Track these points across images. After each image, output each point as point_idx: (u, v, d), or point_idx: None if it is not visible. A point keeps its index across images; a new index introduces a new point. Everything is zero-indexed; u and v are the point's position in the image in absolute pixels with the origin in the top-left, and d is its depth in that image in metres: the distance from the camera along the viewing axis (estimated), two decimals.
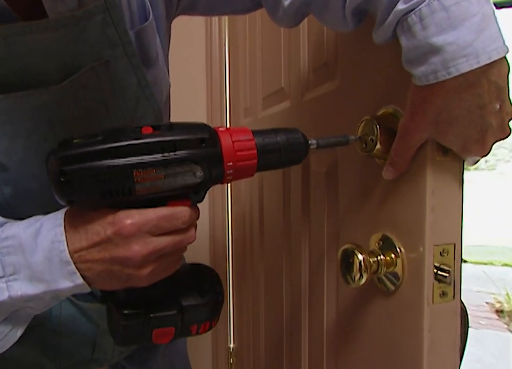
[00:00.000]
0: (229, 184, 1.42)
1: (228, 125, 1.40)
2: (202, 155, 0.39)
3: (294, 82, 0.80)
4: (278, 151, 0.43)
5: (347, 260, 0.49)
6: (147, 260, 0.39)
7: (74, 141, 0.37)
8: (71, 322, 0.62)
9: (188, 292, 0.46)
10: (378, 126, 0.46)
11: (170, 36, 0.64)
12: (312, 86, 0.73)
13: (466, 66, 0.34)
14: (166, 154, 0.38)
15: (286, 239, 0.86)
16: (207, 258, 1.45)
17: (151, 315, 0.43)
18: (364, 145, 0.49)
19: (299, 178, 0.79)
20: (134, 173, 0.37)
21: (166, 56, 0.64)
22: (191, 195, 0.42)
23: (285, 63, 0.85)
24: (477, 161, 0.43)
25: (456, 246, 0.45)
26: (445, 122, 0.39)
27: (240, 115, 1.26)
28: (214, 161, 0.40)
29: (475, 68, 0.34)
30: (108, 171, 0.37)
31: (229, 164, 0.40)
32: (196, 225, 0.44)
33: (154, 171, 0.38)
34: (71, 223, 0.40)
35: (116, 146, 0.37)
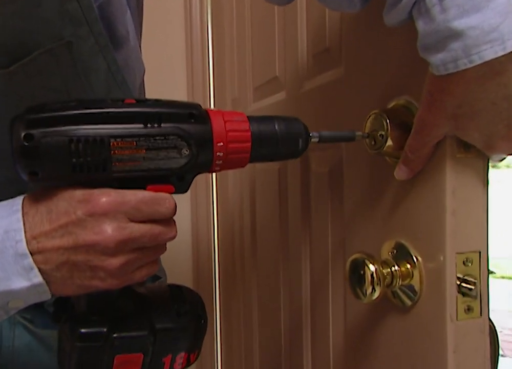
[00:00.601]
0: (214, 185, 1.42)
1: None
2: (190, 131, 0.40)
3: (291, 70, 0.80)
4: (275, 141, 0.43)
5: (357, 272, 0.49)
6: (120, 248, 0.38)
7: (46, 107, 0.37)
8: (27, 353, 0.60)
9: (164, 312, 0.45)
10: (388, 121, 0.47)
11: (142, 12, 0.63)
12: (311, 75, 0.74)
13: (490, 53, 0.34)
14: (149, 125, 0.39)
15: (283, 249, 0.86)
16: (189, 274, 1.45)
17: (115, 335, 0.42)
18: (373, 142, 0.49)
19: (298, 178, 0.79)
20: (111, 143, 0.37)
21: (139, 35, 0.63)
22: (174, 181, 0.42)
23: (280, 47, 0.85)
24: (504, 159, 0.44)
25: (482, 254, 0.45)
26: (467, 116, 0.39)
27: (227, 107, 1.26)
28: (203, 139, 0.40)
29: (501, 56, 0.34)
30: (81, 138, 0.37)
31: (219, 144, 0.41)
32: (175, 221, 0.43)
33: (135, 143, 0.38)
34: (32, 204, 0.38)
35: (94, 113, 0.37)
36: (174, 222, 0.43)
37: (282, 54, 0.84)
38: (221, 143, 0.41)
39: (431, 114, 0.41)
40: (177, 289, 0.49)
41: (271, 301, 0.95)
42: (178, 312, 0.45)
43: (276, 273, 0.90)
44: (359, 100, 0.58)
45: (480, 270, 0.45)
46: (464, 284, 0.44)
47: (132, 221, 0.39)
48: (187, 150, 0.40)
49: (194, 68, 1.39)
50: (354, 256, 0.50)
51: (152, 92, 1.39)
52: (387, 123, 0.47)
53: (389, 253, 0.51)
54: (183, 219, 1.43)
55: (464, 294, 0.44)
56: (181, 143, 0.40)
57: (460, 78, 0.37)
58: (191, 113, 0.40)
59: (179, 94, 1.43)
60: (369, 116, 0.50)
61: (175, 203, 0.41)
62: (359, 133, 0.47)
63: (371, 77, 0.55)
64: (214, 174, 1.41)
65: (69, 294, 0.41)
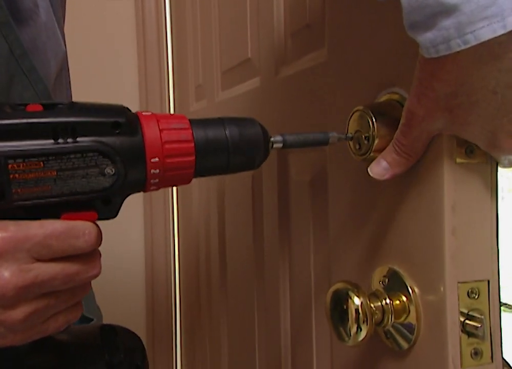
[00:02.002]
0: (175, 199, 1.43)
1: (171, 111, 1.41)
2: (115, 145, 0.40)
3: (266, 51, 0.82)
4: (225, 149, 0.44)
5: (339, 306, 0.50)
6: (23, 296, 0.38)
7: None
8: None
9: (90, 366, 0.46)
10: (374, 120, 0.48)
11: None
12: (290, 57, 0.75)
13: (488, 31, 0.35)
14: (60, 140, 0.38)
15: (258, 277, 0.88)
16: (141, 314, 1.45)
17: None
18: (357, 146, 0.51)
19: (275, 190, 0.80)
20: (9, 166, 0.37)
21: (59, 8, 0.64)
22: (98, 205, 0.42)
23: (252, 23, 0.87)
24: None
25: (492, 283, 0.47)
26: (464, 107, 0.41)
27: (190, 97, 1.28)
28: (132, 155, 0.40)
29: (501, 35, 0.35)
30: None
31: (153, 160, 0.41)
32: (100, 254, 0.44)
33: (42, 164, 0.38)
34: None
35: None
36: (99, 254, 0.44)
37: (255, 31, 0.86)
38: (156, 159, 0.41)
39: (421, 104, 0.42)
40: (110, 332, 0.49)
41: (244, 343, 0.96)
42: (110, 365, 0.46)
43: (249, 310, 0.92)
44: (345, 89, 0.60)
45: (489, 304, 0.47)
46: (468, 322, 0.46)
47: (39, 260, 0.39)
48: (111, 170, 0.40)
49: (147, 48, 1.41)
50: (335, 286, 0.51)
51: (92, 80, 1.40)
52: (373, 122, 0.48)
53: (381, 282, 0.53)
54: (134, 242, 1.43)
55: (469, 334, 0.46)
56: (103, 161, 0.40)
57: (453, 61, 0.38)
58: (116, 122, 0.40)
59: (129, 81, 1.44)
60: (352, 114, 0.51)
61: (98, 233, 0.42)
62: (334, 135, 0.48)
63: (360, 62, 0.57)
64: (175, 188, 1.42)
65: None
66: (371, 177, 0.54)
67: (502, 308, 0.49)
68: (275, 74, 0.79)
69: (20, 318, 0.39)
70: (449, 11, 0.36)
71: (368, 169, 0.48)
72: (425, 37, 0.38)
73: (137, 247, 1.44)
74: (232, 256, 1.02)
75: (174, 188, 1.43)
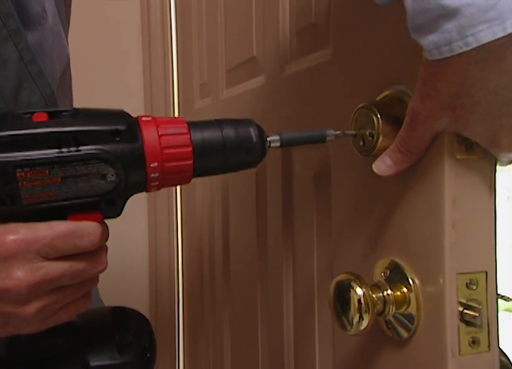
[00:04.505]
0: (178, 196, 1.44)
1: (176, 109, 1.43)
2: (115, 153, 0.42)
3: (271, 49, 0.84)
4: (222, 151, 0.46)
5: (342, 296, 0.52)
6: (34, 292, 0.41)
7: None
8: None
9: (101, 346, 0.48)
10: (379, 116, 0.50)
11: None
12: (295, 56, 0.77)
13: (488, 34, 0.37)
14: (64, 150, 0.41)
15: (262, 272, 0.89)
16: (145, 304, 1.46)
17: None
18: (361, 143, 0.53)
19: (279, 185, 0.82)
20: (17, 174, 0.40)
21: (63, 12, 0.65)
22: (102, 206, 0.45)
23: (258, 22, 0.88)
24: None
25: (489, 275, 0.49)
26: (466, 107, 0.43)
27: (194, 94, 1.29)
28: (132, 161, 0.43)
29: (501, 38, 0.37)
30: None
31: (153, 165, 0.43)
32: (107, 249, 0.47)
33: (47, 172, 0.40)
34: None
35: None
36: (106, 250, 0.46)
37: (260, 30, 0.87)
38: (156, 163, 0.43)
39: (425, 104, 0.44)
40: (121, 314, 0.52)
41: (247, 337, 0.98)
42: (120, 345, 0.48)
43: (252, 304, 0.93)
44: (349, 88, 0.61)
45: (486, 294, 0.49)
46: (467, 311, 0.47)
47: (48, 259, 0.42)
48: (112, 175, 0.42)
49: (151, 45, 1.42)
50: (339, 277, 0.53)
51: (101, 79, 1.41)
52: (378, 119, 0.50)
53: (382, 274, 0.55)
54: (138, 240, 1.44)
55: (467, 323, 0.48)
56: (105, 167, 0.42)
57: (455, 63, 0.40)
58: (116, 130, 0.42)
59: (134, 81, 1.45)
60: (356, 111, 0.53)
61: (103, 232, 0.45)
62: (331, 132, 0.50)
63: (364, 61, 0.58)
64: (178, 186, 1.43)
65: None
66: (374, 173, 0.56)
67: (500, 300, 0.51)
68: (280, 71, 0.81)
69: (33, 311, 0.42)
70: (450, 14, 0.38)
71: (373, 166, 0.50)
72: (428, 40, 0.40)
73: (141, 244, 1.45)
74: (235, 251, 1.04)
75: (178, 187, 1.44)
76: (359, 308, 0.50)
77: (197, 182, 1.26)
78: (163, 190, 1.43)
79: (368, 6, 0.57)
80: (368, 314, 0.50)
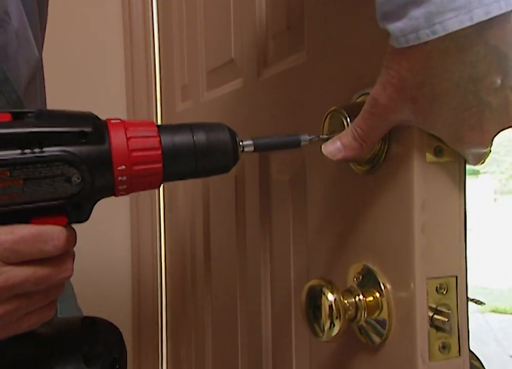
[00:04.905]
0: (161, 199, 1.44)
1: (158, 112, 1.42)
2: (81, 155, 0.41)
3: (248, 52, 0.83)
4: (193, 155, 0.45)
5: (314, 302, 0.52)
6: None
7: None
8: None
9: (67, 357, 0.47)
10: (349, 120, 0.49)
11: None
12: (271, 59, 0.76)
13: (454, 23, 0.37)
14: (27, 151, 0.40)
15: (241, 276, 0.89)
16: (128, 308, 1.45)
17: None
18: None
19: (256, 189, 0.81)
20: None
21: (37, 13, 0.64)
22: (68, 210, 0.44)
23: (236, 24, 0.88)
24: (484, 158, 0.47)
25: (459, 279, 0.48)
26: (427, 98, 0.42)
27: (176, 97, 1.28)
28: (98, 163, 0.42)
29: (467, 27, 0.37)
30: None
31: (120, 168, 0.42)
32: (74, 255, 0.46)
33: (9, 173, 0.39)
34: None
35: None
36: (73, 256, 0.45)
37: (238, 32, 0.87)
38: (123, 166, 0.42)
39: (386, 93, 0.43)
40: (90, 324, 0.51)
41: (227, 340, 0.97)
42: (88, 356, 0.47)
43: (232, 307, 0.93)
44: (324, 92, 0.61)
45: (457, 299, 0.48)
46: (437, 316, 0.47)
47: (9, 264, 0.41)
48: (78, 178, 0.41)
49: (133, 48, 1.41)
50: (310, 282, 0.53)
51: (82, 82, 1.40)
52: (347, 122, 0.50)
53: (355, 279, 0.54)
54: (120, 244, 1.44)
55: (437, 328, 0.47)
56: (70, 170, 0.41)
57: (420, 51, 0.39)
58: (82, 131, 0.41)
59: (115, 81, 1.45)
60: (327, 114, 0.53)
61: (69, 237, 0.44)
62: (305, 137, 0.50)
63: (338, 64, 0.58)
64: (161, 189, 1.44)
65: None
66: (346, 176, 0.55)
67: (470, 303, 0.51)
68: (257, 75, 0.80)
69: None
70: (419, 1, 0.37)
71: (322, 147, 0.49)
72: (396, 27, 0.39)
73: (123, 248, 1.44)
74: (216, 254, 1.03)
75: (161, 188, 1.44)
76: (330, 314, 0.50)
77: (180, 184, 1.26)
78: (146, 194, 1.43)
79: (340, 8, 0.57)
80: (340, 320, 0.50)
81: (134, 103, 1.42)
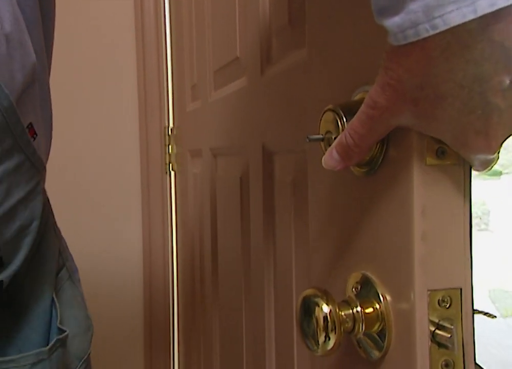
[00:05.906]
0: (173, 200, 1.43)
1: (170, 113, 1.41)
2: None
3: (252, 50, 0.81)
4: None
5: (308, 314, 0.48)
6: None
7: None
8: None
9: None
10: (344, 119, 0.46)
11: None
12: (274, 57, 0.74)
13: (456, 16, 0.33)
14: None
15: (246, 279, 0.87)
16: (140, 307, 1.45)
17: None
18: (328, 147, 0.49)
19: (260, 190, 0.79)
20: None
21: (38, 17, 0.63)
22: None
23: (240, 21, 0.86)
24: (491, 165, 0.44)
25: (464, 292, 0.45)
26: (429, 100, 0.38)
27: (186, 97, 1.27)
28: None
29: (471, 21, 0.33)
30: None
31: None
32: None
33: None
34: None
35: None
36: None
37: (243, 30, 0.85)
38: None
39: (385, 95, 0.40)
40: None
41: (233, 341, 0.96)
42: None
43: (238, 309, 0.91)
44: (323, 88, 0.58)
45: (461, 313, 0.45)
46: (438, 332, 0.43)
47: None
48: None
49: (145, 47, 1.40)
50: (305, 292, 0.49)
51: (94, 83, 1.40)
52: (343, 122, 0.46)
53: (353, 289, 0.51)
54: (132, 245, 1.43)
55: (439, 344, 0.44)
56: None
57: (420, 50, 0.36)
58: None
59: (128, 82, 1.44)
60: (323, 113, 0.49)
61: None
62: None
63: (337, 60, 0.55)
64: (173, 191, 1.43)
65: None
66: (345, 178, 0.52)
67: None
68: (260, 73, 0.78)
69: None
70: None
71: (322, 161, 0.46)
72: (393, 22, 0.36)
73: (135, 250, 1.43)
74: (223, 255, 1.02)
75: (173, 191, 1.43)
76: (325, 327, 0.47)
77: (189, 185, 1.25)
78: (157, 195, 1.42)
79: (341, 5, 0.54)
80: (335, 333, 0.46)
81: (146, 104, 1.41)
